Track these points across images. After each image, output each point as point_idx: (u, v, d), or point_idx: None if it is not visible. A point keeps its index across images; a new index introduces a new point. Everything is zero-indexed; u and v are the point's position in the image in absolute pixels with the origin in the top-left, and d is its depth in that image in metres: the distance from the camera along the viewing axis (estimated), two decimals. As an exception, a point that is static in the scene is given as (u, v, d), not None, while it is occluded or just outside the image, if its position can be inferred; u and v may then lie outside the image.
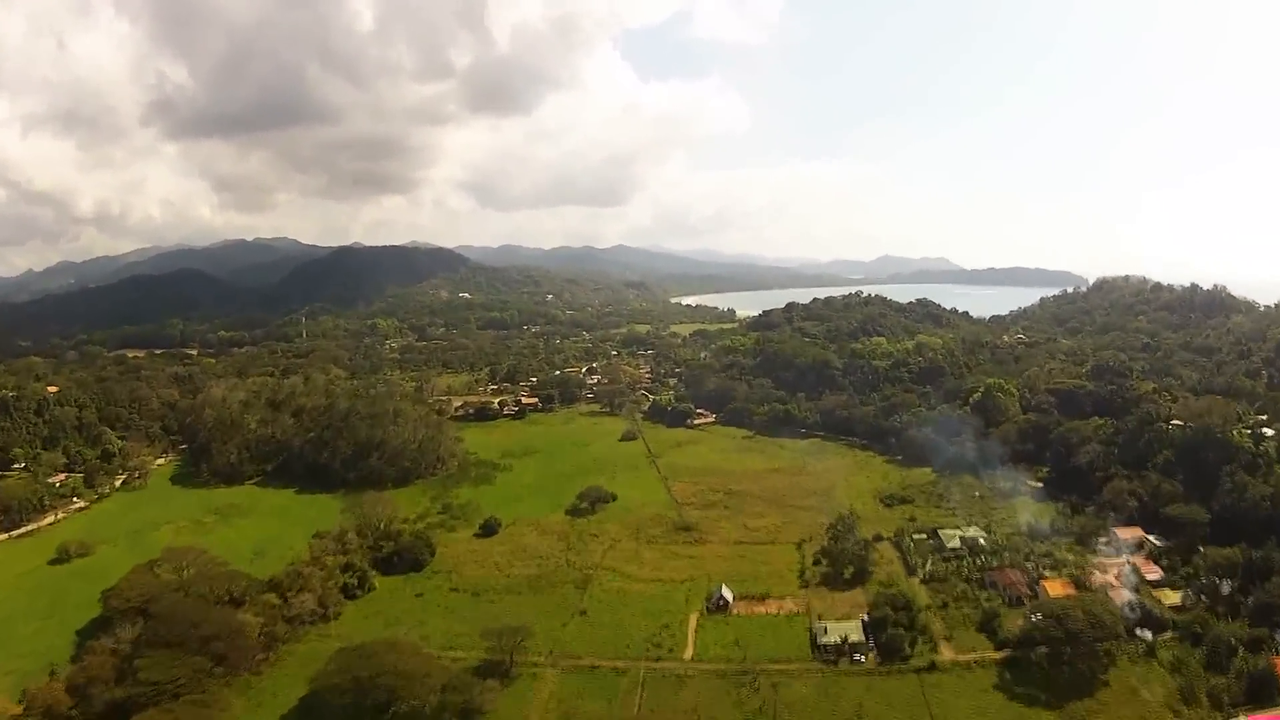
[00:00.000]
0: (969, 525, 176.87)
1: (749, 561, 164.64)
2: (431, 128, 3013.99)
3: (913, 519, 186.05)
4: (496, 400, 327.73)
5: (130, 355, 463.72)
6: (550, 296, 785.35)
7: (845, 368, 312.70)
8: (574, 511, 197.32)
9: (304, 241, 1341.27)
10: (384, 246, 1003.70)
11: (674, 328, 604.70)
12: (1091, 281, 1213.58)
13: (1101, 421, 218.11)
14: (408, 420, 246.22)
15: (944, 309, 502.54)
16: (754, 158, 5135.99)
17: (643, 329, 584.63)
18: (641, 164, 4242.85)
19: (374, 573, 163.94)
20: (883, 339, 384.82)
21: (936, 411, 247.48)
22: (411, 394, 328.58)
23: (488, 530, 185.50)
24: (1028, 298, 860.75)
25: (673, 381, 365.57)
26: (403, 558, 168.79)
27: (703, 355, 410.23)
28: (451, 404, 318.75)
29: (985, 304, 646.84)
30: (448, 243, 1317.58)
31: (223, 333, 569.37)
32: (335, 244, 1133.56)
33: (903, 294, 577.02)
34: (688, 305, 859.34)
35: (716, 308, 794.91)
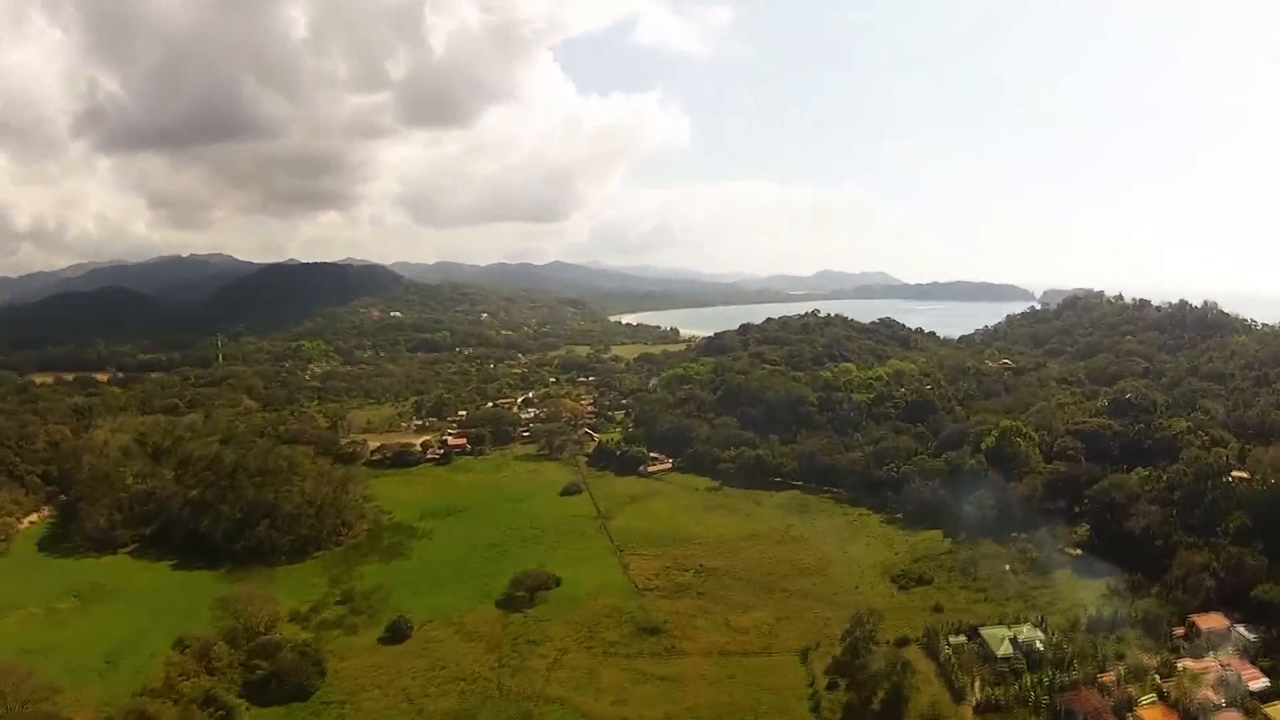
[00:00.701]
0: (1019, 621, 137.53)
1: (741, 685, 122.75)
2: (368, 141, 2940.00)
3: (939, 608, 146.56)
4: (419, 442, 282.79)
5: (38, 382, 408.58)
6: (485, 316, 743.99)
7: (821, 403, 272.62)
8: (508, 603, 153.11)
9: (239, 258, 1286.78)
10: (315, 263, 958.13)
11: (616, 349, 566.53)
12: (1039, 295, 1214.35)
13: (1146, 473, 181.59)
14: (306, 476, 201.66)
15: (910, 329, 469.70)
16: (694, 173, 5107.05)
17: (582, 351, 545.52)
18: (581, 179, 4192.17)
19: (244, 704, 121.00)
20: (851, 365, 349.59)
21: (943, 460, 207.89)
22: (323, 434, 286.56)
23: (396, 634, 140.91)
24: (979, 312, 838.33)
25: (620, 415, 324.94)
26: (283, 682, 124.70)
27: (652, 384, 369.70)
28: (368, 446, 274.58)
29: (938, 320, 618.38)
30: (385, 260, 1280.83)
31: (141, 355, 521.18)
32: (271, 260, 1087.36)
33: (848, 310, 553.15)
34: (628, 324, 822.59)
35: (659, 326, 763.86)
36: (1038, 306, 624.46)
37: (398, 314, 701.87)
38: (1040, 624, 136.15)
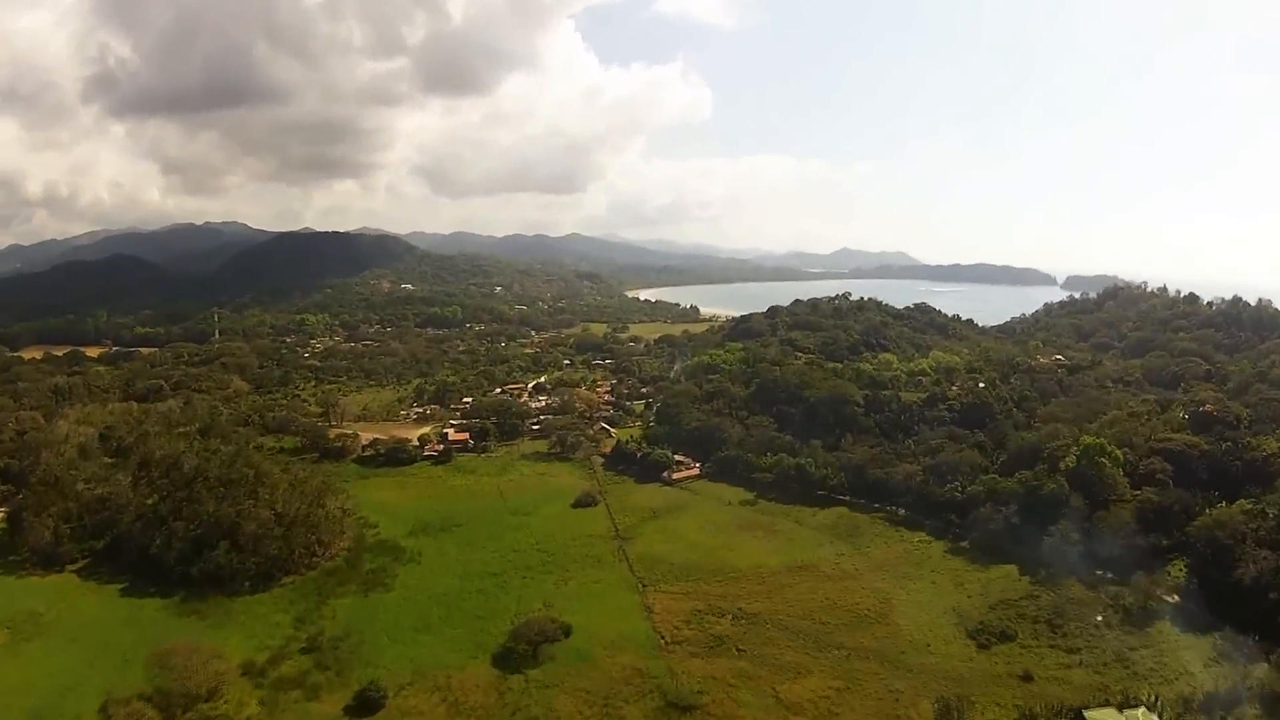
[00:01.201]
0: (1127, 700, 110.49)
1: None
2: (383, 109, 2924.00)
3: (1028, 676, 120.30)
4: (416, 436, 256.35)
5: (25, 357, 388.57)
6: (499, 289, 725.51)
7: (867, 403, 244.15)
8: (505, 659, 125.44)
9: (253, 226, 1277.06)
10: (326, 233, 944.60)
11: (634, 328, 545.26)
12: (1062, 280, 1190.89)
13: (1250, 506, 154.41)
14: (276, 487, 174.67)
15: (947, 316, 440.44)
16: (712, 147, 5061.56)
17: (599, 330, 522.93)
18: (599, 151, 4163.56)
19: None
20: (892, 356, 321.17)
21: (1016, 481, 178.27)
22: (312, 425, 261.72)
23: (366, 704, 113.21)
24: (1003, 296, 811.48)
25: (640, 408, 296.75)
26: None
27: (675, 372, 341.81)
28: (359, 440, 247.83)
29: (962, 303, 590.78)
30: (402, 229, 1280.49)
31: (139, 329, 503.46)
32: (286, 229, 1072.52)
33: (870, 290, 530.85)
34: (646, 300, 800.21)
35: (678, 304, 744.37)
36: (1070, 294, 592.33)
37: (409, 286, 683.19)
38: (1155, 704, 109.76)
